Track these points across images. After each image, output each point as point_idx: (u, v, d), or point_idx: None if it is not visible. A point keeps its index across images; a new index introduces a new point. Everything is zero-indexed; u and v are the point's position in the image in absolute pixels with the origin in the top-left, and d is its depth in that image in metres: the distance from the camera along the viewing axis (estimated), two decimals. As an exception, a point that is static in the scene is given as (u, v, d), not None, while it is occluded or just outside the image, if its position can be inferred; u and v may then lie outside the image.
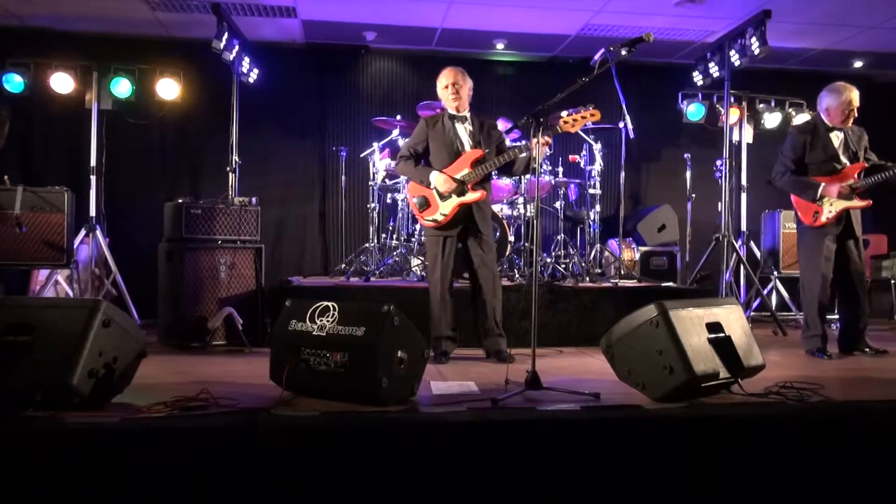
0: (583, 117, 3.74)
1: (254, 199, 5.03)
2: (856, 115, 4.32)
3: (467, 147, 4.08)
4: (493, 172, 4.21)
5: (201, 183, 6.69)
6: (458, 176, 3.99)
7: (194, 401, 2.78)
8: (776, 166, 4.45)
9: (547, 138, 3.79)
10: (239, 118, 5.89)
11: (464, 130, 4.11)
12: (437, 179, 3.99)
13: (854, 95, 4.28)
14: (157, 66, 5.88)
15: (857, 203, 4.23)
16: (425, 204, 4.05)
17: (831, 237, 4.26)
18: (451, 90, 4.06)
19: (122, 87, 5.74)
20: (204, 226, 4.73)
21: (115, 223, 6.10)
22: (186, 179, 6.72)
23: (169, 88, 5.86)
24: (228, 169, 5.76)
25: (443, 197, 4.00)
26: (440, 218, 4.01)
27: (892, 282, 6.02)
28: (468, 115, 4.14)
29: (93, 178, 5.76)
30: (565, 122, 3.77)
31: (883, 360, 4.24)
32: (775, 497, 2.60)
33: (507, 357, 3.94)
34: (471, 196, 4.00)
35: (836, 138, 4.32)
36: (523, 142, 4.10)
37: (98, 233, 5.66)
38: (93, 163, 5.77)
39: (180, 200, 4.75)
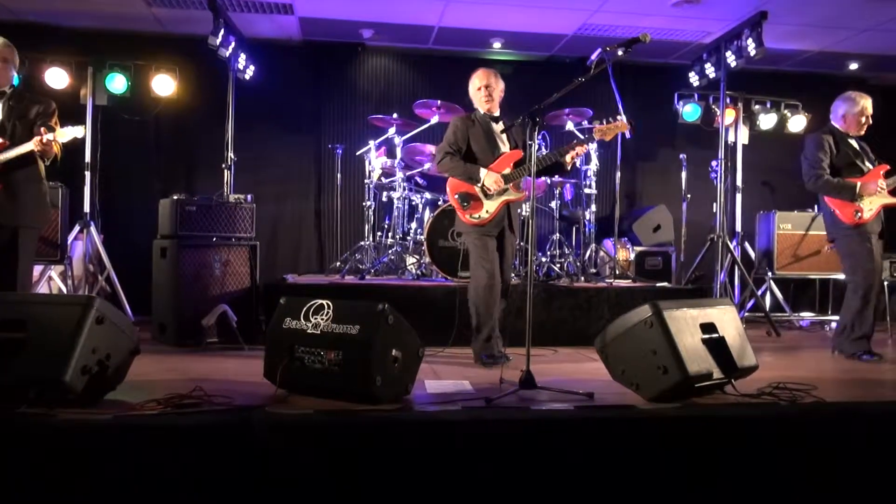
0: (617, 126, 3.85)
1: (249, 197, 5.02)
2: (869, 122, 4.45)
3: (506, 147, 4.11)
4: None
5: (197, 180, 6.66)
6: (501, 175, 4.01)
7: (188, 398, 2.77)
8: (806, 171, 4.46)
9: (584, 146, 4.01)
10: (235, 115, 5.87)
11: (500, 131, 4.13)
12: (489, 177, 3.98)
13: (869, 104, 4.43)
14: (153, 62, 5.87)
15: (891, 199, 4.33)
16: (469, 201, 4.03)
17: (875, 234, 4.34)
18: (485, 92, 4.08)
19: (117, 83, 5.73)
20: (199, 223, 4.71)
21: (110, 219, 6.09)
22: (182, 176, 6.70)
23: (164, 84, 5.85)
24: (224, 166, 5.75)
25: (488, 195, 4.01)
26: (485, 216, 4.01)
27: (886, 284, 6.04)
28: (498, 114, 4.17)
29: (87, 174, 5.75)
30: (599, 131, 3.89)
31: (880, 363, 4.25)
32: (768, 497, 2.61)
33: (502, 357, 3.95)
34: (514, 195, 4.03)
35: (855, 143, 4.45)
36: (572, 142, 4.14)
37: (92, 229, 5.65)
38: (87, 158, 5.76)
39: (175, 197, 4.73)
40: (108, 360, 2.74)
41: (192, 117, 6.53)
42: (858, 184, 4.29)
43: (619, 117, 3.84)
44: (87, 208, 5.71)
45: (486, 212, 4.00)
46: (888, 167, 4.39)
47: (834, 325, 4.92)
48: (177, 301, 4.53)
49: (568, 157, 3.99)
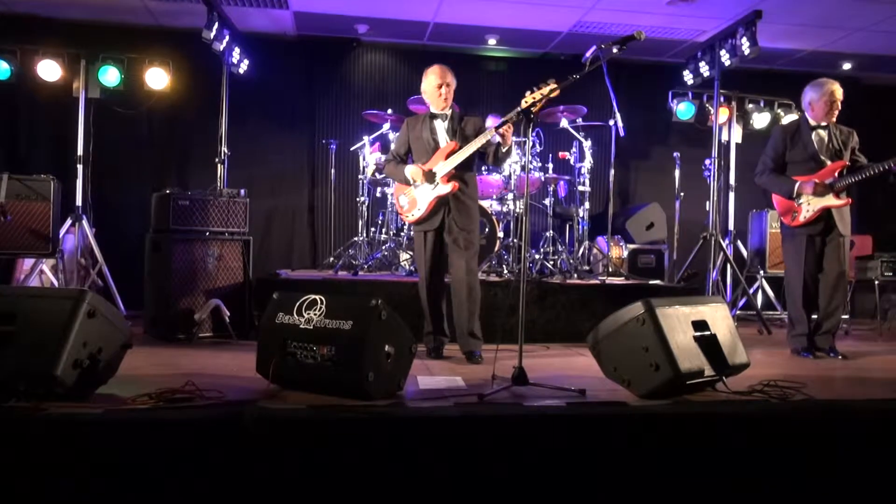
0: (541, 93, 3.44)
1: (242, 191, 5.01)
2: (839, 108, 4.28)
3: (444, 143, 4.07)
4: (481, 167, 4.17)
5: (190, 174, 6.65)
6: (433, 169, 4.00)
7: (180, 393, 2.77)
8: (758, 164, 4.47)
9: (509, 124, 3.73)
10: (228, 109, 5.85)
11: (441, 128, 4.09)
12: (410, 171, 4.00)
13: (835, 88, 4.25)
14: (147, 55, 5.83)
15: (834, 201, 4.18)
16: (407, 202, 4.07)
17: (812, 236, 4.26)
18: (446, 91, 4.04)
19: (110, 76, 5.69)
20: (192, 217, 4.70)
21: (102, 213, 6.06)
22: (175, 170, 6.68)
23: (158, 78, 5.81)
24: (217, 160, 5.73)
25: (419, 191, 4.01)
26: (417, 214, 4.03)
27: (877, 282, 6.08)
28: (448, 112, 4.13)
29: (79, 168, 5.71)
30: (525, 102, 3.51)
31: (864, 359, 4.28)
32: (759, 493, 2.63)
33: (477, 359, 3.92)
34: (443, 188, 3.96)
35: (818, 137, 4.29)
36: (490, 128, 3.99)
37: (84, 222, 5.62)
38: (79, 152, 5.72)
39: (168, 191, 4.71)
40: (99, 353, 2.73)
41: (185, 111, 6.50)
42: (798, 182, 4.21)
43: (549, 81, 3.49)
44: (79, 201, 5.67)
45: (418, 209, 4.01)
46: (846, 164, 4.23)
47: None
48: (169, 295, 4.51)
49: (501, 135, 3.83)
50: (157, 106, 6.24)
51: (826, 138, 4.30)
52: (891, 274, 6.09)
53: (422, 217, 4.02)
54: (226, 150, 5.77)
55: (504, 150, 3.98)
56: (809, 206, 4.21)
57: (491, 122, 4.55)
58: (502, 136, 3.87)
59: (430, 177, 3.97)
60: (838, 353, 4.29)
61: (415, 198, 4.03)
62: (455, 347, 4.17)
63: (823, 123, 4.31)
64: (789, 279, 4.39)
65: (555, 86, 3.48)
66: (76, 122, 5.71)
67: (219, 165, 5.72)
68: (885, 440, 2.73)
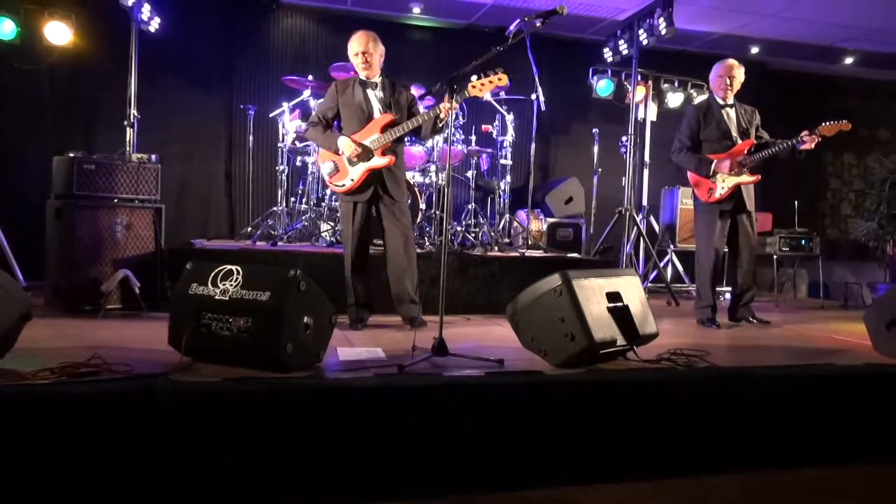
0: (490, 81, 3.71)
1: (153, 157, 4.78)
2: (734, 86, 4.49)
3: (377, 113, 4.01)
4: (406, 139, 4.13)
5: (96, 137, 6.26)
6: (366, 141, 3.93)
7: (84, 366, 2.64)
8: (674, 143, 4.63)
9: (454, 103, 3.74)
10: (138, 69, 5.53)
11: (374, 96, 4.03)
12: (344, 145, 3.92)
13: (732, 64, 4.49)
14: (46, 7, 5.43)
15: (746, 178, 4.42)
16: (334, 170, 3.99)
17: (724, 212, 4.47)
18: (361, 59, 3.97)
19: (5, 28, 5.28)
20: (98, 183, 4.45)
21: (-2, 176, 5.66)
22: (80, 133, 6.27)
23: (59, 32, 5.43)
24: (126, 123, 5.43)
25: (351, 162, 3.95)
26: (348, 183, 3.96)
27: (775, 257, 6.46)
28: (379, 80, 4.06)
29: (-30, 127, 5.30)
30: (473, 87, 3.74)
31: (766, 329, 4.56)
32: (664, 454, 2.76)
33: (419, 323, 3.97)
34: (378, 161, 3.94)
35: (728, 115, 4.50)
36: (429, 108, 4.02)
37: (-23, 186, 5.23)
38: (-29, 109, 5.30)
39: (72, 154, 4.44)
40: (-6, 326, 2.57)
41: (91, 69, 6.09)
42: (715, 161, 4.40)
43: (498, 70, 3.68)
44: (-30, 163, 5.28)
45: (350, 179, 3.96)
46: (754, 142, 4.47)
47: (728, 296, 5.21)
48: (73, 265, 4.28)
49: (442, 114, 3.85)
50: (59, 62, 5.83)
51: (734, 117, 4.52)
52: (788, 249, 6.49)
53: (352, 188, 3.96)
54: (135, 113, 5.47)
55: (440, 126, 3.98)
56: (724, 183, 4.40)
57: (415, 92, 4.51)
58: (441, 116, 3.86)
59: (364, 153, 3.91)
60: (761, 319, 4.63)
61: (345, 167, 3.96)
62: (378, 319, 4.17)
63: (730, 102, 4.52)
64: (700, 253, 4.58)
65: (505, 78, 3.64)
66: None
67: (128, 129, 5.42)
68: (780, 401, 2.93)
